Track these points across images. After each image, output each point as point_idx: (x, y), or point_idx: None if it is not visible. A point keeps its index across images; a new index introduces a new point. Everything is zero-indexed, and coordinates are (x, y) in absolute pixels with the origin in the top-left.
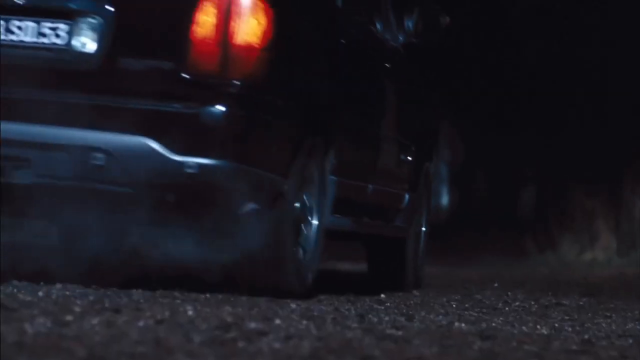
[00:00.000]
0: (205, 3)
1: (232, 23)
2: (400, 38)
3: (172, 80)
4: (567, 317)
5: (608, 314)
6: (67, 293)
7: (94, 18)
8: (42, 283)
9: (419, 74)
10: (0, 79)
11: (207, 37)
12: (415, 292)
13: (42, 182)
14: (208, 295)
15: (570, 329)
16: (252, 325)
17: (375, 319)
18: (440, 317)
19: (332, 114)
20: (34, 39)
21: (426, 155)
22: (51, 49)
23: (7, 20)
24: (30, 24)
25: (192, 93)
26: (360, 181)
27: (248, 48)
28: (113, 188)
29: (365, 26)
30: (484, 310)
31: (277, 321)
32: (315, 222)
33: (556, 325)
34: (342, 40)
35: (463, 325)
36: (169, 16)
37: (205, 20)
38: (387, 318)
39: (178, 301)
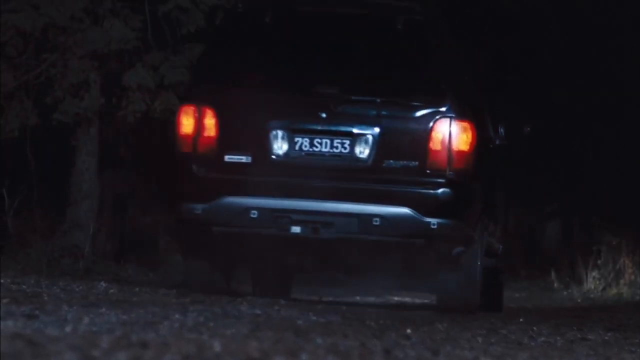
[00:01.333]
0: (435, 127)
1: (452, 138)
2: (497, 141)
3: (419, 173)
4: (592, 352)
5: (633, 349)
6: (94, 329)
7: (367, 136)
8: (68, 318)
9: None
10: (312, 176)
11: (438, 147)
12: (441, 327)
13: (341, 237)
14: (234, 331)
15: None
16: None
17: (401, 354)
18: (466, 352)
19: (490, 193)
20: (329, 150)
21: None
22: (340, 156)
23: (311, 139)
24: (327, 141)
25: (431, 181)
26: (491, 236)
27: (461, 153)
28: (385, 238)
29: (489, 132)
30: (510, 345)
31: (304, 356)
32: (479, 261)
33: None
34: (491, 145)
35: None
36: (414, 134)
37: (436, 137)
38: (413, 353)
39: (204, 337)
